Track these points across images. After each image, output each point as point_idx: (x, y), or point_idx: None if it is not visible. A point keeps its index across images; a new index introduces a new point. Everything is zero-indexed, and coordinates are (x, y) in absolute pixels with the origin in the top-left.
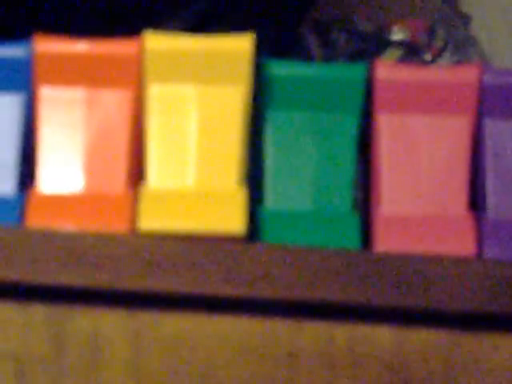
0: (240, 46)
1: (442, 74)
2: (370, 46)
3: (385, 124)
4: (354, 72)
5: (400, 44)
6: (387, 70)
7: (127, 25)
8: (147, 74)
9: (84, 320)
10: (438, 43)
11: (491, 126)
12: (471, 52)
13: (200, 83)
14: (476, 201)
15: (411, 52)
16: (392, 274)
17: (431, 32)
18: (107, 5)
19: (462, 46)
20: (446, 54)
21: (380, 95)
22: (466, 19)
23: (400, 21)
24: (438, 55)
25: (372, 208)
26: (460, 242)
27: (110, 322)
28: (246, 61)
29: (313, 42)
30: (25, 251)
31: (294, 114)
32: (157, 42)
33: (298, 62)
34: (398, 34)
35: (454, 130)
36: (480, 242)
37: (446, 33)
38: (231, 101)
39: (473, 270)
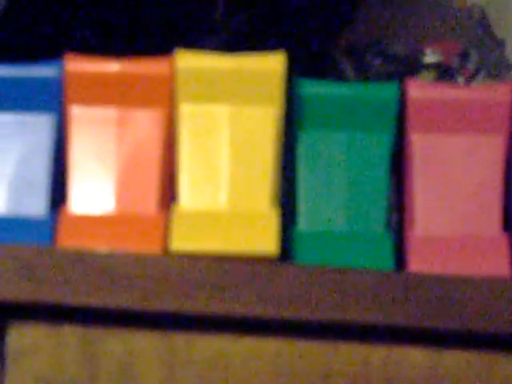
0: (272, 65)
1: (475, 93)
2: (404, 69)
3: (418, 143)
4: (388, 91)
5: (433, 67)
6: (421, 89)
7: (159, 43)
8: (179, 93)
9: (116, 341)
10: (472, 66)
11: None
12: (505, 75)
13: (232, 103)
14: (510, 221)
15: (444, 75)
16: (426, 296)
17: (464, 55)
18: (140, 24)
19: (495, 69)
20: (479, 77)
21: (413, 114)
22: (500, 43)
23: (433, 44)
24: (471, 78)
25: (406, 228)
26: (494, 263)
27: (143, 344)
28: (278, 80)
29: (347, 65)
30: (57, 272)
31: (326, 133)
32: (189, 61)
33: (331, 81)
34: (431, 57)
35: (488, 150)
36: None
37: (480, 56)
38: (264, 121)
39: (507, 291)
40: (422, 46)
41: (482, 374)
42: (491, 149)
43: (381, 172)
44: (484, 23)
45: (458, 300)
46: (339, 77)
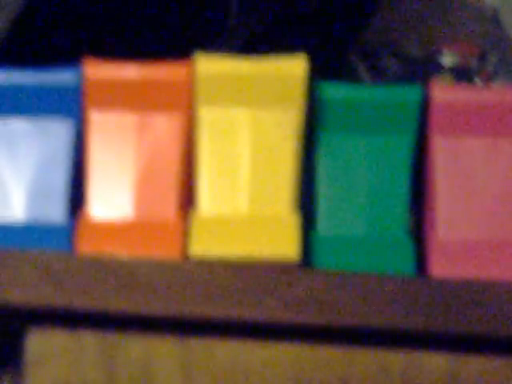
0: (293, 68)
1: (498, 95)
2: (420, 71)
3: (440, 147)
4: (410, 94)
5: (450, 68)
6: (444, 91)
7: (174, 47)
8: (198, 97)
9: (136, 347)
10: (490, 67)
11: None
12: None
13: (252, 106)
14: None
15: (462, 76)
16: (448, 300)
17: (482, 56)
18: (157, 28)
19: None
20: (498, 79)
21: (436, 117)
22: None
23: (450, 45)
24: (489, 79)
25: (427, 232)
26: None
27: (163, 350)
28: (299, 83)
29: (362, 67)
30: (76, 278)
31: (347, 137)
32: (208, 65)
33: (352, 84)
34: (448, 59)
35: (511, 153)
36: None
37: (498, 57)
38: (284, 124)
39: None
40: (438, 47)
41: (506, 381)
42: None
43: (402, 176)
44: (498, 22)
45: (481, 305)
46: (355, 79)
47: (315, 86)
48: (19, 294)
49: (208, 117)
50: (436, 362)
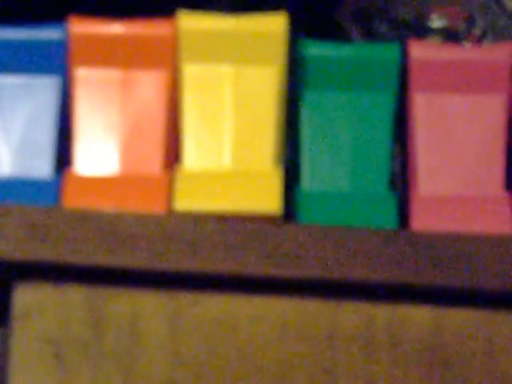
0: (274, 25)
1: (477, 53)
2: (410, 34)
3: (420, 103)
4: (389, 51)
5: (439, 31)
6: (422, 49)
7: (162, 6)
8: (182, 54)
9: (122, 301)
10: (478, 31)
11: None
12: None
13: (235, 63)
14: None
15: (450, 39)
16: (430, 253)
17: (470, 20)
18: None
19: (501, 34)
20: (486, 42)
21: (416, 75)
22: (509, 13)
23: (439, 9)
24: (476, 43)
25: (409, 187)
26: (496, 221)
27: (149, 303)
28: (280, 40)
29: (353, 30)
30: (62, 232)
31: (329, 94)
32: (191, 22)
33: (333, 42)
34: (437, 22)
35: (490, 109)
36: None
37: (486, 21)
38: (266, 80)
39: (510, 248)
40: (428, 12)
41: (488, 332)
42: (493, 108)
43: (384, 132)
44: None
45: (462, 258)
46: (346, 41)
47: (298, 43)
48: (5, 249)
49: (192, 73)
50: (420, 314)
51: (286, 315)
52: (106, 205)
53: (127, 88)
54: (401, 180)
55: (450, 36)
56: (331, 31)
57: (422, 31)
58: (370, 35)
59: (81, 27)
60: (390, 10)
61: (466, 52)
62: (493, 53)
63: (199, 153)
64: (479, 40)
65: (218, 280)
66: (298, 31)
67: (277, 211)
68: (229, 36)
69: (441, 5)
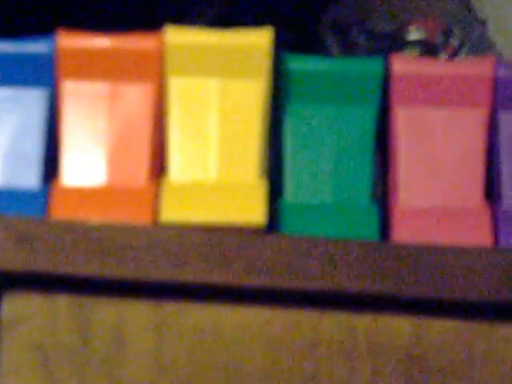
0: (259, 40)
1: (457, 67)
2: (388, 46)
3: (402, 117)
4: (372, 66)
5: (417, 43)
6: (404, 64)
7: (150, 20)
8: (168, 67)
9: (109, 311)
10: (455, 43)
11: (506, 118)
12: (487, 53)
13: (220, 77)
14: (491, 192)
15: (428, 51)
16: (411, 265)
17: (448, 32)
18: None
19: (478, 46)
20: (462, 54)
21: (397, 89)
22: (482, 22)
23: (417, 21)
24: (454, 55)
25: (390, 200)
26: (476, 233)
27: (135, 313)
28: (265, 55)
29: (332, 42)
30: (49, 242)
31: (312, 107)
32: (178, 37)
33: (317, 56)
34: (415, 34)
35: (470, 123)
36: (495, 232)
37: (463, 33)
38: (251, 94)
39: (489, 260)
40: (406, 23)
41: (467, 342)
42: (473, 122)
43: (366, 145)
44: (466, 0)
45: (442, 269)
46: (325, 54)
47: (282, 58)
48: None
49: (178, 86)
50: (400, 324)
51: (270, 325)
52: (93, 216)
53: (114, 101)
54: (382, 192)
55: (428, 48)
56: (311, 44)
57: (399, 43)
58: (348, 47)
59: (69, 41)
60: (367, 22)
61: (447, 66)
62: (474, 67)
63: (185, 165)
64: (456, 52)
65: (202, 290)
66: (280, 45)
67: (261, 223)
68: (214, 50)
69: (418, 17)
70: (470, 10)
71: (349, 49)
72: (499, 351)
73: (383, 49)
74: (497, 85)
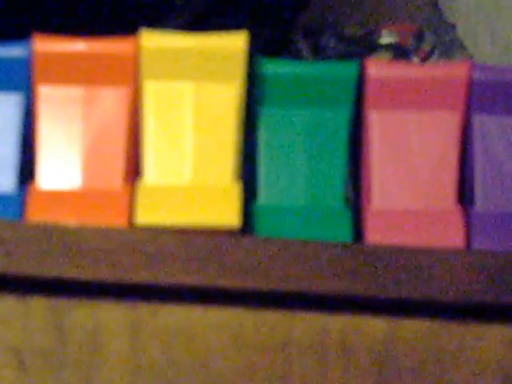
0: (234, 44)
1: (431, 71)
2: (360, 50)
3: (376, 120)
4: (346, 70)
5: (389, 47)
6: (378, 67)
7: (125, 24)
8: (143, 71)
9: (84, 312)
10: (426, 47)
11: (480, 121)
12: (458, 56)
13: (195, 80)
14: (465, 194)
15: (399, 55)
16: (383, 266)
17: (419, 36)
18: (104, 5)
19: (449, 50)
20: (434, 58)
21: (371, 92)
22: (452, 27)
23: (389, 25)
24: (425, 59)
25: (363, 202)
26: (449, 234)
27: (110, 315)
28: (240, 59)
29: (304, 46)
30: (25, 245)
31: (286, 111)
32: (153, 41)
33: (291, 60)
34: (386, 38)
35: (444, 126)
36: (468, 234)
37: (434, 37)
38: (226, 98)
39: (462, 261)
40: (376, 27)
41: (439, 343)
42: (447, 125)
43: (339, 148)
44: (436, 5)
45: (414, 270)
46: (296, 58)
47: (256, 61)
48: None
49: (153, 90)
50: (373, 325)
51: (243, 326)
52: (69, 219)
53: (89, 105)
54: (356, 195)
55: (400, 52)
56: (283, 49)
57: (371, 47)
58: (319, 51)
59: (44, 45)
60: (339, 26)
61: (421, 70)
62: (448, 70)
63: (160, 168)
64: (428, 55)
65: (177, 292)
66: (254, 49)
67: (236, 225)
68: (189, 54)
69: (390, 21)
70: (440, 14)
71: (320, 53)
72: (471, 351)
73: (355, 53)
74: (471, 88)
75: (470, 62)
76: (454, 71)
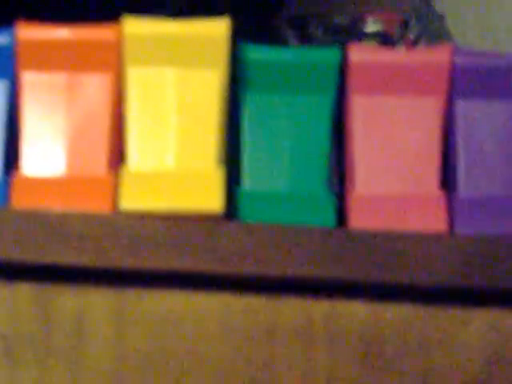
0: (217, 30)
1: (413, 55)
2: (346, 39)
3: (359, 106)
4: (329, 55)
5: (375, 35)
6: (361, 52)
7: (109, 11)
8: (126, 58)
9: (69, 298)
10: (412, 35)
11: (462, 106)
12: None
13: (178, 66)
14: (447, 179)
15: (385, 43)
16: (367, 251)
17: (405, 24)
18: None
19: (435, 39)
20: (420, 46)
21: (354, 77)
22: (440, 16)
23: (374, 13)
24: (411, 47)
25: (347, 187)
26: (432, 220)
27: (95, 300)
28: (222, 44)
29: (290, 36)
30: (10, 231)
31: (270, 96)
32: (135, 27)
33: (274, 46)
34: (372, 26)
35: (427, 111)
36: (451, 219)
37: (420, 26)
38: (209, 83)
39: (445, 246)
40: (363, 16)
41: (422, 327)
42: (430, 110)
43: (323, 134)
44: None
45: (398, 255)
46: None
47: (239, 47)
48: None
49: (136, 76)
50: (357, 309)
51: (228, 311)
52: (54, 205)
53: (73, 91)
54: (339, 180)
55: (385, 40)
56: (269, 37)
57: (357, 36)
58: (305, 40)
59: (28, 32)
60: (325, 15)
61: (404, 55)
62: (430, 55)
63: (143, 153)
64: (413, 44)
65: (162, 277)
66: (238, 36)
67: (219, 210)
68: (172, 40)
69: (375, 9)
70: (428, 3)
71: (306, 42)
72: (454, 335)
73: (341, 41)
74: (454, 73)
75: (452, 46)
76: (435, 56)
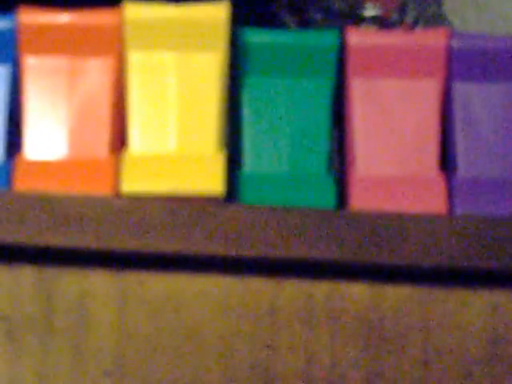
0: (216, 14)
1: (411, 38)
2: (345, 23)
3: (358, 88)
4: (328, 38)
5: (373, 20)
6: (359, 36)
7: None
8: (128, 42)
9: (71, 280)
10: (410, 19)
11: (460, 88)
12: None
13: (178, 50)
14: (446, 160)
15: (383, 27)
16: (368, 232)
17: (403, 8)
18: None
19: (432, 22)
20: (417, 30)
21: (353, 60)
22: (437, 1)
23: None
24: (409, 31)
25: (347, 169)
26: (431, 201)
27: (97, 283)
28: (222, 28)
29: (289, 21)
30: (13, 214)
31: (269, 79)
32: (136, 12)
33: (273, 30)
34: (370, 11)
35: (425, 93)
36: (450, 200)
37: (418, 10)
38: (209, 67)
39: (444, 227)
40: (361, 0)
41: (422, 307)
42: (428, 92)
43: (322, 116)
44: None
45: (398, 236)
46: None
47: (239, 31)
48: None
49: (137, 60)
50: (357, 290)
51: (229, 293)
52: (56, 188)
53: (75, 75)
54: (339, 162)
55: (383, 24)
56: (268, 22)
57: (355, 20)
58: (304, 25)
59: (30, 17)
60: (325, 0)
61: (401, 38)
62: (427, 38)
63: (145, 137)
64: (411, 28)
65: (163, 259)
66: (238, 21)
67: (220, 192)
68: (172, 24)
69: None
70: None
71: (305, 27)
72: (455, 316)
73: (340, 26)
74: (451, 55)
75: (450, 29)
76: (433, 39)
